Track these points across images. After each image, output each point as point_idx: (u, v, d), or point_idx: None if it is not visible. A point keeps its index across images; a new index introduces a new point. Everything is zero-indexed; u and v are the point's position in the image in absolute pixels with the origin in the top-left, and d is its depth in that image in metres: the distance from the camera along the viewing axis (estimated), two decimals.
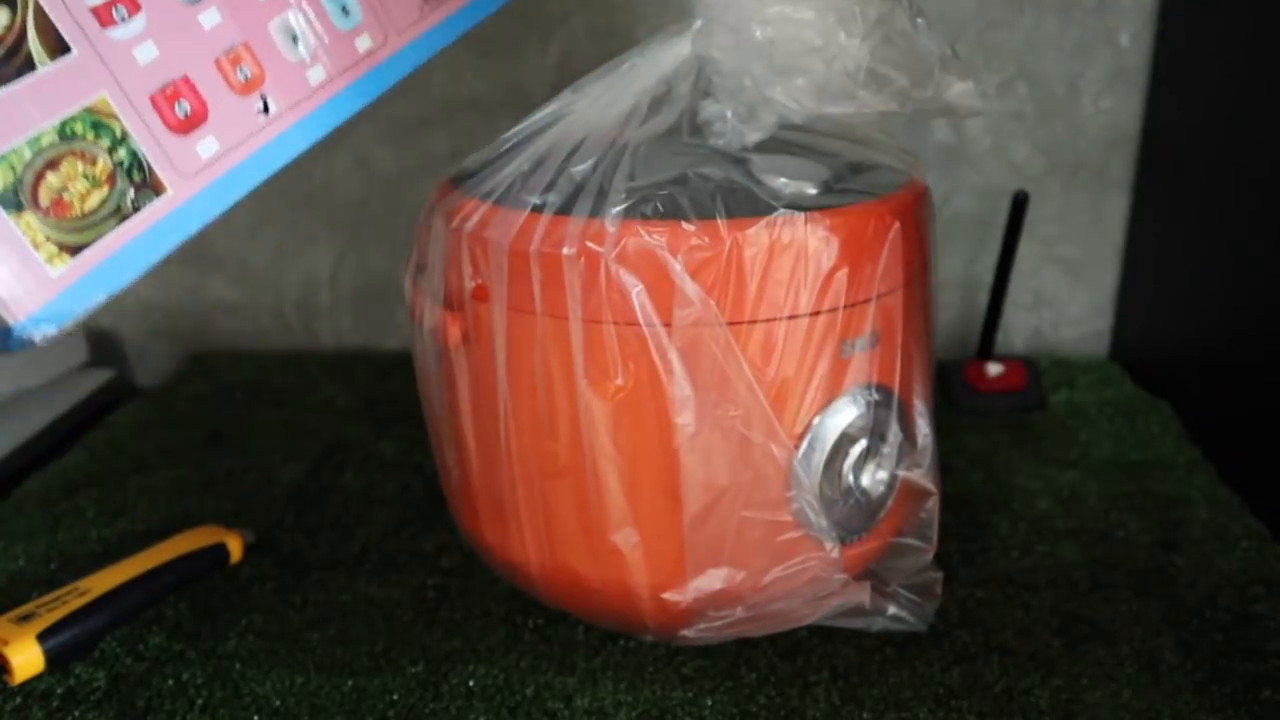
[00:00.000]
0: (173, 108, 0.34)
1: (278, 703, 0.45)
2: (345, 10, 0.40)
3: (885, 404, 0.42)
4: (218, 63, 0.36)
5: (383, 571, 0.54)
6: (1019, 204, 0.67)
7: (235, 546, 0.53)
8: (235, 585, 0.52)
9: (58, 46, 0.31)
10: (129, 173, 0.33)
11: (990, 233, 0.77)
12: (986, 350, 0.73)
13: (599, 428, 0.40)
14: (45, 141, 0.31)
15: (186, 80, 0.35)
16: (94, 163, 0.32)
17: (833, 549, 0.42)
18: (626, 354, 0.39)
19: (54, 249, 0.31)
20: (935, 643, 0.48)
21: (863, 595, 0.43)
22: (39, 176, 0.31)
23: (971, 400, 0.70)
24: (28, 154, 0.31)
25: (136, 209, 0.33)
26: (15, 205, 0.30)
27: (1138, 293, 0.77)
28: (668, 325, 0.38)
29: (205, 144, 0.35)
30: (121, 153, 0.33)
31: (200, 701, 0.45)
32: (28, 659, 0.45)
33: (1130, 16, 0.72)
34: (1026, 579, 0.52)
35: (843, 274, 0.39)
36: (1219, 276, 0.64)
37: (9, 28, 0.30)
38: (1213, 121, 0.65)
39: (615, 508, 0.41)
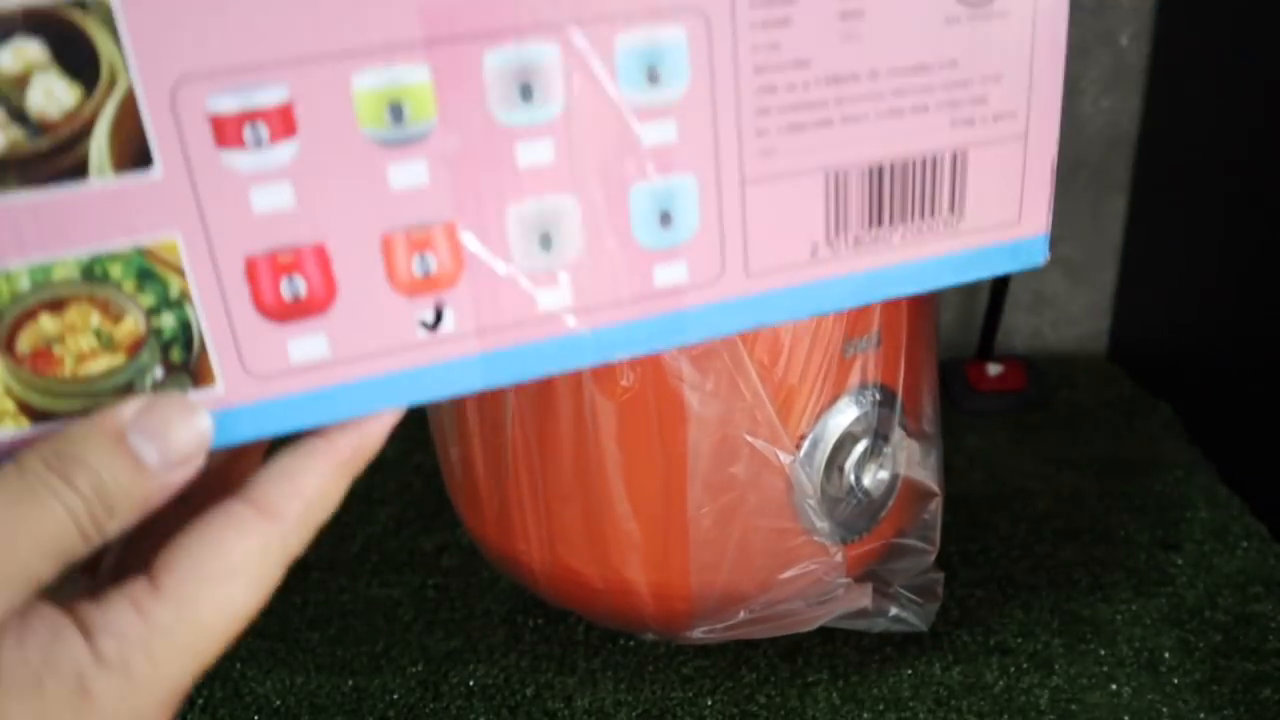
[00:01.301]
0: (276, 282, 0.23)
1: (278, 703, 0.45)
2: (667, 218, 0.26)
3: (887, 404, 0.42)
4: (386, 239, 0.24)
5: (383, 571, 0.54)
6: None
7: None
8: None
9: (135, 157, 0.21)
10: (166, 348, 0.23)
11: None
12: (986, 350, 0.73)
13: (605, 428, 0.40)
14: (57, 275, 0.21)
15: (319, 250, 0.23)
16: (117, 320, 0.22)
17: (836, 552, 0.42)
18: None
19: (10, 406, 0.22)
20: (935, 643, 0.48)
21: (865, 599, 0.43)
22: (27, 314, 0.22)
23: (971, 400, 0.70)
24: (24, 284, 0.21)
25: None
26: None
27: (1137, 293, 0.77)
28: None
29: (307, 343, 0.24)
30: (167, 319, 0.23)
31: (200, 701, 0.45)
32: None
33: (1130, 16, 0.72)
34: (1026, 579, 0.52)
35: None
36: (1218, 276, 0.64)
37: (73, 114, 0.20)
38: (1213, 121, 0.65)
39: (619, 508, 0.41)
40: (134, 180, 0.21)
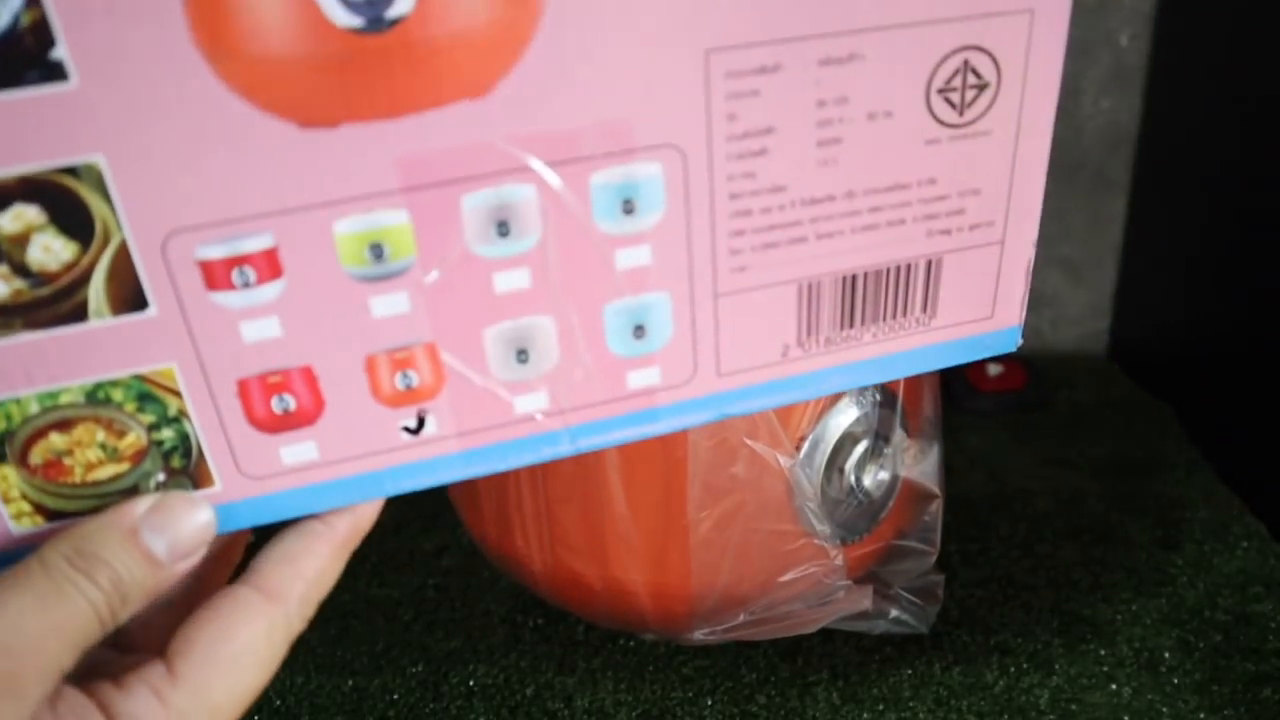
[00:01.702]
0: (268, 401, 0.25)
1: (278, 703, 0.45)
2: (641, 330, 0.27)
3: (888, 405, 0.42)
4: (370, 360, 0.25)
5: (383, 571, 0.54)
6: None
7: None
8: None
9: (130, 301, 0.23)
10: (167, 456, 0.25)
11: None
12: None
13: None
14: (64, 400, 0.23)
15: (306, 372, 0.25)
16: (121, 435, 0.24)
17: (836, 555, 0.42)
18: None
19: (27, 507, 0.24)
20: (935, 643, 0.48)
21: (865, 601, 0.43)
22: (38, 433, 0.24)
23: (971, 400, 0.70)
24: (34, 408, 0.23)
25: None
26: None
27: (1137, 293, 0.77)
28: None
29: (296, 449, 0.26)
30: (167, 433, 0.25)
31: None
32: None
33: (1130, 17, 0.72)
34: (1026, 579, 0.52)
35: None
36: (1218, 277, 0.64)
37: (70, 265, 0.22)
38: (1213, 121, 0.65)
39: (620, 509, 0.41)
40: (131, 320, 0.23)
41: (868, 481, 0.42)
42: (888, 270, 0.29)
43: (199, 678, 0.23)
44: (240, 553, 0.29)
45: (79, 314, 0.23)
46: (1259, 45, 0.59)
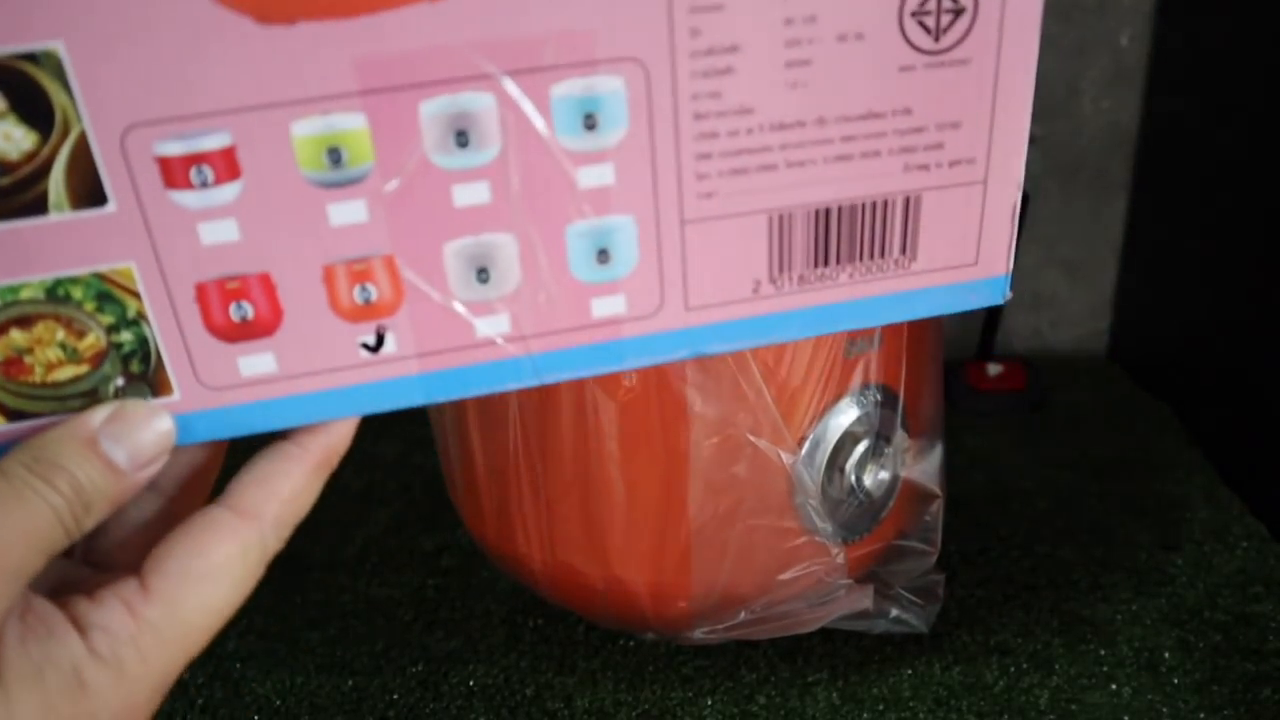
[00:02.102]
0: (226, 307, 0.25)
1: (278, 703, 0.45)
2: (605, 255, 0.27)
3: (889, 405, 0.42)
4: (328, 270, 0.25)
5: (383, 571, 0.54)
6: (1019, 204, 0.66)
7: None
8: None
9: (90, 195, 0.23)
10: (126, 359, 0.25)
11: None
12: (986, 350, 0.73)
13: (606, 427, 0.40)
14: (24, 295, 0.23)
15: (264, 279, 0.25)
16: (80, 336, 0.24)
17: (837, 553, 0.42)
18: None
19: None
20: (935, 643, 0.48)
21: (866, 601, 0.43)
22: (0, 329, 0.24)
23: (971, 400, 0.70)
24: None
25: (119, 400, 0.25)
26: None
27: (1137, 293, 0.77)
28: None
29: (256, 360, 0.26)
30: (126, 335, 0.25)
31: (200, 701, 0.45)
32: None
33: (1130, 17, 0.72)
34: (1026, 579, 0.52)
35: None
36: (1218, 277, 0.64)
37: (31, 155, 0.22)
38: (1213, 121, 0.65)
39: (620, 508, 0.41)
40: (90, 215, 0.23)
41: (868, 481, 0.42)
42: (863, 205, 0.28)
43: (172, 592, 0.24)
44: (215, 475, 0.29)
45: (39, 206, 0.23)
46: (1259, 45, 0.59)
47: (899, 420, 0.42)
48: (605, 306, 0.28)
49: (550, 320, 0.27)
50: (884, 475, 0.42)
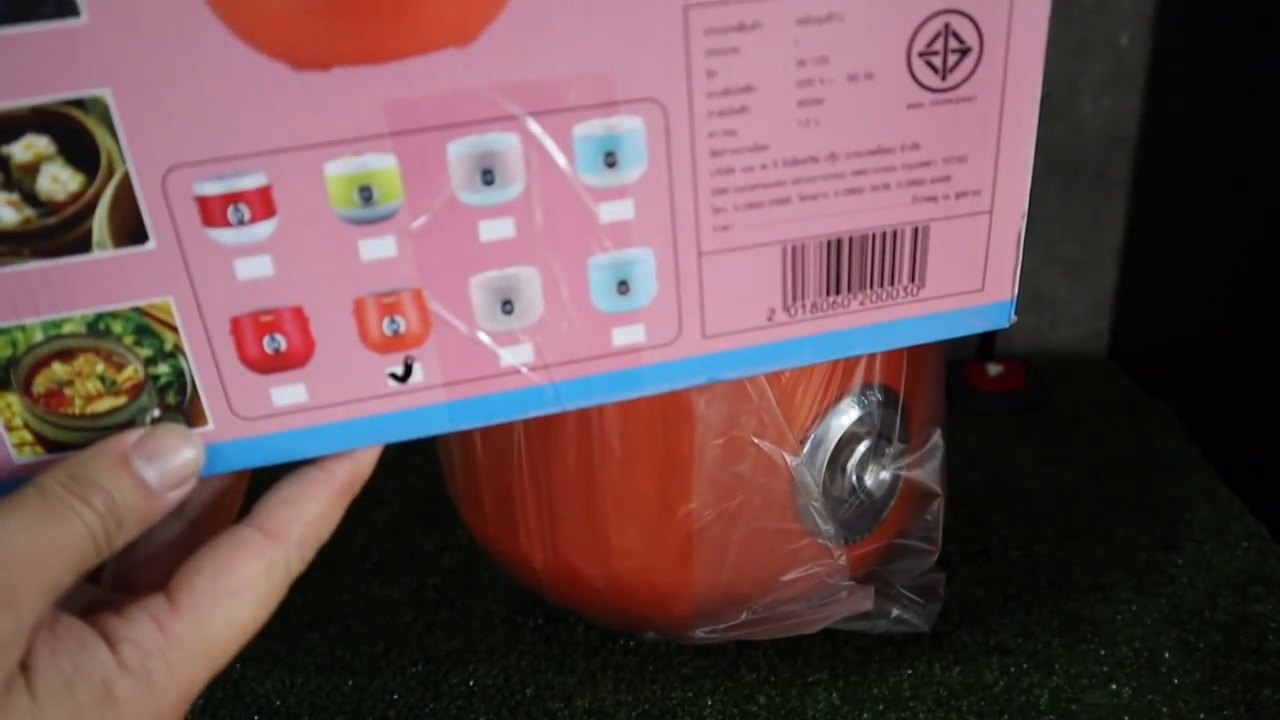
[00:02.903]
0: (260, 340, 0.26)
1: (278, 703, 0.45)
2: (625, 286, 0.28)
3: (890, 405, 0.42)
4: (359, 304, 0.26)
5: (383, 571, 0.54)
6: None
7: None
8: None
9: (131, 233, 0.24)
10: (162, 391, 0.26)
11: None
12: (986, 350, 0.73)
13: (610, 427, 0.40)
14: (66, 329, 0.24)
15: (297, 312, 0.26)
16: (119, 369, 0.25)
17: (839, 554, 0.42)
18: None
19: (29, 437, 0.25)
20: (935, 643, 0.48)
21: (867, 601, 0.43)
22: (42, 363, 0.25)
23: (971, 400, 0.70)
24: (38, 336, 0.24)
25: None
26: (0, 382, 0.25)
27: (1137, 293, 0.77)
28: None
29: (288, 391, 0.26)
30: (163, 368, 0.26)
31: (200, 701, 0.45)
32: None
33: (1130, 16, 0.72)
34: (1026, 579, 0.52)
35: None
36: (1218, 276, 0.64)
37: (76, 196, 0.23)
38: (1213, 121, 0.65)
39: (623, 508, 0.41)
40: (131, 252, 0.24)
41: (870, 481, 0.42)
42: (873, 236, 0.29)
43: (199, 609, 0.24)
44: (239, 502, 0.29)
45: (83, 244, 0.24)
46: (1259, 45, 0.59)
47: (899, 420, 0.42)
48: (625, 335, 0.28)
49: (573, 349, 0.28)
50: (885, 475, 0.42)
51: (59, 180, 0.23)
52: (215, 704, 0.45)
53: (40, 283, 0.24)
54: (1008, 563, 0.54)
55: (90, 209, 0.24)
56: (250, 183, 0.24)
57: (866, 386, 0.41)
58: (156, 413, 0.26)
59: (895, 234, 0.29)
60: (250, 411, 0.27)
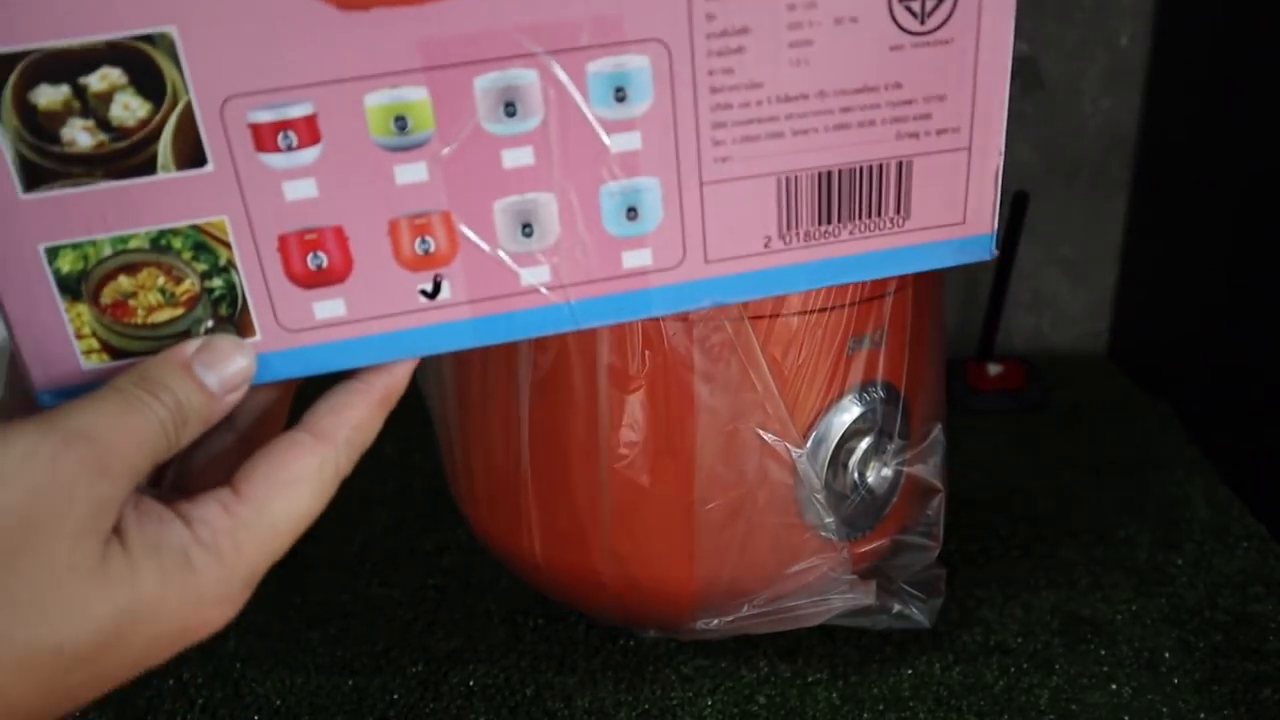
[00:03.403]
0: (304, 256, 0.28)
1: (278, 702, 0.45)
2: (633, 212, 0.30)
3: (892, 401, 0.42)
4: (393, 224, 0.29)
5: (383, 571, 0.54)
6: (1019, 204, 0.67)
7: None
8: None
9: (192, 156, 0.27)
10: (216, 303, 0.28)
11: None
12: (986, 350, 0.73)
13: (614, 419, 0.40)
14: (133, 244, 0.27)
15: (338, 232, 0.28)
16: (178, 281, 0.28)
17: (841, 548, 0.42)
18: (647, 348, 0.39)
19: (96, 344, 0.28)
20: (935, 643, 0.48)
21: (869, 596, 0.43)
22: (109, 275, 0.27)
23: (971, 400, 0.70)
24: (107, 250, 0.27)
25: None
26: (72, 292, 0.27)
27: (1137, 293, 0.77)
28: (687, 320, 0.38)
29: (328, 305, 0.29)
30: (217, 281, 0.28)
31: (200, 701, 0.45)
32: None
33: (1130, 16, 0.72)
34: (1026, 579, 0.52)
35: None
36: (1219, 276, 0.64)
37: (144, 122, 0.26)
38: (1212, 121, 0.65)
39: (625, 501, 0.41)
40: (191, 174, 0.27)
41: (871, 478, 0.42)
42: (860, 169, 0.32)
43: (260, 498, 0.27)
44: (285, 417, 0.32)
45: (149, 167, 0.26)
46: (1259, 45, 0.59)
47: (901, 416, 0.42)
48: (634, 259, 0.31)
49: (586, 271, 0.30)
50: (887, 472, 0.42)
51: (129, 108, 0.26)
52: (215, 704, 0.45)
53: (110, 201, 0.26)
54: (1008, 563, 0.54)
55: (156, 134, 0.26)
56: (298, 111, 0.27)
57: (868, 383, 0.41)
58: (210, 323, 0.28)
59: (881, 167, 0.32)
60: (294, 324, 0.29)
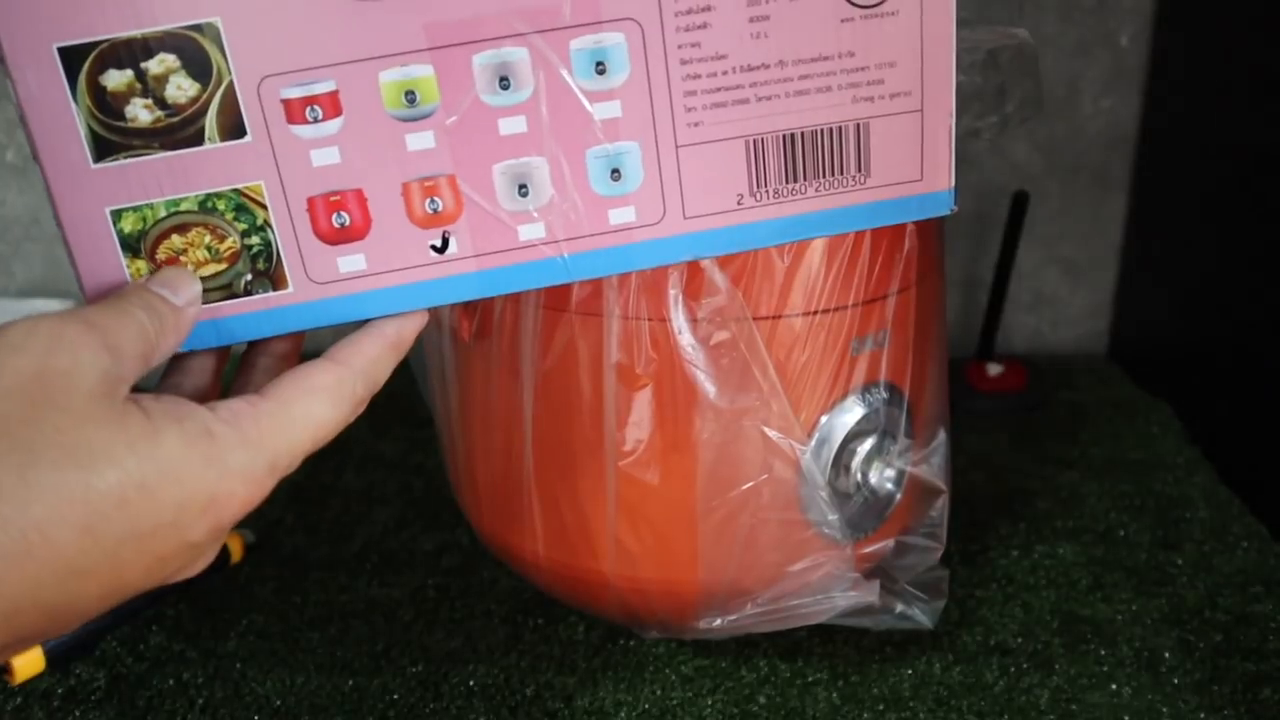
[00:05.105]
0: (329, 216, 0.32)
1: (278, 703, 0.45)
2: (617, 174, 0.34)
3: (895, 402, 0.42)
4: (406, 186, 0.32)
5: (383, 571, 0.54)
6: (1019, 204, 0.67)
7: (235, 546, 0.53)
8: (235, 585, 0.52)
9: (234, 129, 0.31)
10: (254, 258, 0.32)
11: (990, 233, 0.77)
12: (986, 350, 0.73)
13: (619, 417, 0.40)
14: (183, 207, 0.31)
15: (358, 194, 0.32)
16: (222, 239, 0.32)
17: (845, 546, 0.42)
18: (653, 346, 0.39)
19: None
20: (935, 643, 0.48)
21: (872, 595, 0.43)
22: (164, 234, 0.31)
23: (971, 400, 0.70)
24: (162, 212, 0.31)
25: (249, 293, 0.33)
26: (133, 250, 0.31)
27: (1137, 293, 0.77)
28: (694, 319, 0.38)
29: (350, 260, 0.33)
30: (255, 239, 0.32)
31: (200, 701, 0.45)
32: (28, 659, 0.45)
33: (1130, 16, 0.72)
34: (1026, 579, 0.52)
35: (858, 271, 0.39)
36: (1218, 276, 0.64)
37: (194, 100, 0.30)
38: (1212, 121, 0.65)
39: (629, 499, 0.41)
40: (233, 144, 0.31)
41: (874, 479, 0.42)
42: (821, 131, 0.35)
43: (282, 396, 0.29)
44: (298, 360, 0.35)
45: (198, 138, 0.31)
46: (1259, 45, 0.59)
47: (904, 417, 0.42)
48: (620, 216, 0.34)
49: (577, 227, 0.34)
50: (890, 472, 0.42)
51: (182, 88, 0.30)
52: (215, 704, 0.45)
53: (165, 169, 0.31)
54: (1008, 563, 0.54)
55: (204, 111, 0.30)
56: (323, 88, 0.31)
57: (871, 384, 0.41)
58: (249, 276, 0.32)
59: (840, 129, 0.35)
60: (321, 277, 0.33)
